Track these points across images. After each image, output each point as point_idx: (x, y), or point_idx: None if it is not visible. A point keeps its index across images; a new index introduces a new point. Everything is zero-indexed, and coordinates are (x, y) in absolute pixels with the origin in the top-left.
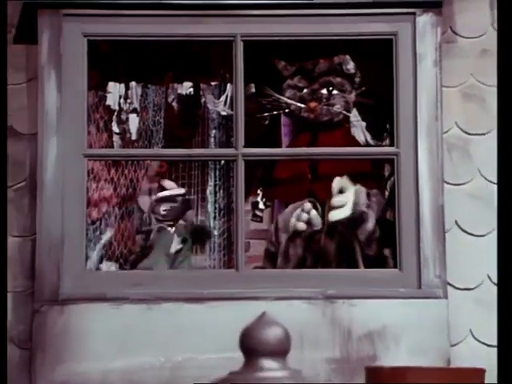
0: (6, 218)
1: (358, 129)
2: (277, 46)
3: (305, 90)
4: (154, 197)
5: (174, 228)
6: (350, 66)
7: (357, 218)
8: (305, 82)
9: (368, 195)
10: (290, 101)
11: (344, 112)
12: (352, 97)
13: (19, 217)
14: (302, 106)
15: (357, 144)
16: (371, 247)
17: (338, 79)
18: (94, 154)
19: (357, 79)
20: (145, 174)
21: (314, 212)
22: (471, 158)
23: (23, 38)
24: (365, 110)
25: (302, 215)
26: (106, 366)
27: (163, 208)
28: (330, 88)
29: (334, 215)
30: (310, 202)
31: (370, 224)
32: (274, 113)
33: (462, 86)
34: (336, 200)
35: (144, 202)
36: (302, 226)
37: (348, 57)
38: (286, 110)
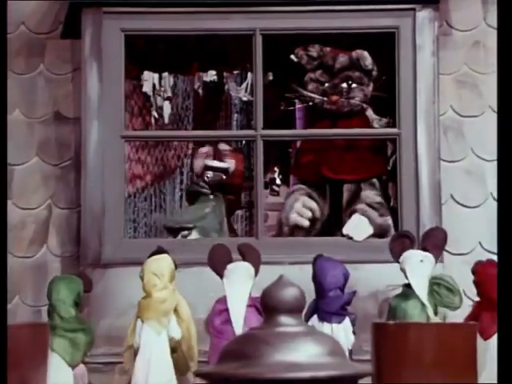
0: (6, 218)
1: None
2: (299, 39)
3: (326, 84)
4: (204, 163)
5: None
6: (368, 62)
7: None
8: (326, 76)
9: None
10: (313, 95)
11: (363, 104)
12: (370, 89)
13: (66, 191)
14: (325, 99)
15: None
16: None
17: (357, 73)
18: (130, 135)
19: (374, 73)
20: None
21: (314, 205)
22: (465, 138)
23: (69, 33)
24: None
25: (303, 212)
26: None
27: (208, 175)
28: (350, 82)
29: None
30: (307, 195)
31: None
32: (299, 106)
33: (456, 74)
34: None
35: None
36: (305, 222)
37: (366, 53)
38: (310, 103)
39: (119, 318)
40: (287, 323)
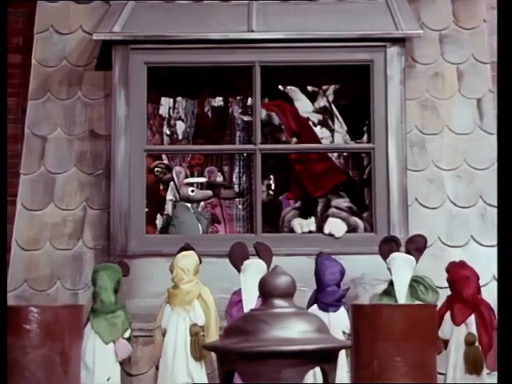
0: (6, 222)
1: (340, 134)
2: (292, 69)
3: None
4: (184, 181)
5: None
6: (276, 121)
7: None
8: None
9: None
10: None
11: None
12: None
13: (98, 195)
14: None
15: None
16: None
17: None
18: (151, 149)
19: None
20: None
21: (313, 226)
22: (426, 152)
23: (102, 66)
24: (346, 117)
25: (303, 226)
26: (162, 302)
27: (190, 189)
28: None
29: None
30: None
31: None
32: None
33: (419, 99)
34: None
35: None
36: (299, 231)
37: (274, 114)
38: None
39: (144, 299)
40: (281, 305)
